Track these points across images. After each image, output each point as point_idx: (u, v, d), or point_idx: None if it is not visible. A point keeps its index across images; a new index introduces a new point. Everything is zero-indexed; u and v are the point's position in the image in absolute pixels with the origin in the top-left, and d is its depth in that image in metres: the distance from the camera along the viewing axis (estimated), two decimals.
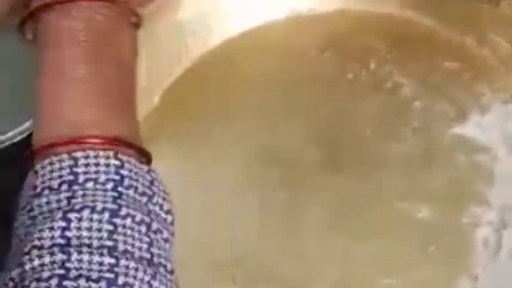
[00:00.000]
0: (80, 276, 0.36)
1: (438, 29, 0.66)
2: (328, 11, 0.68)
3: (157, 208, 0.41)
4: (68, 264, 0.36)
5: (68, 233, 0.37)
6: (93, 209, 0.38)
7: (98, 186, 0.39)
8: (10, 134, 0.57)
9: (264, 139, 0.62)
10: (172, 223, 0.42)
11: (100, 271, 0.36)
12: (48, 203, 0.39)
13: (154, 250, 0.39)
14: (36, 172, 0.40)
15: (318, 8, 0.68)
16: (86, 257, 0.37)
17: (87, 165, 0.39)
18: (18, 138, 0.57)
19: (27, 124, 0.57)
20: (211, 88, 0.66)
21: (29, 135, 0.56)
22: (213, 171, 0.61)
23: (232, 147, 0.62)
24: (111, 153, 0.40)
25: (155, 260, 0.39)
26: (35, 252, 0.37)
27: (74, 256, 0.37)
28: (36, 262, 0.37)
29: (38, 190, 0.39)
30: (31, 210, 0.39)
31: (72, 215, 0.38)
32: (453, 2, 0.65)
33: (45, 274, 0.36)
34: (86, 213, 0.38)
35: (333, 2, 0.68)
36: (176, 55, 0.66)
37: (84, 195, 0.39)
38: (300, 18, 0.68)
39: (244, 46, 0.67)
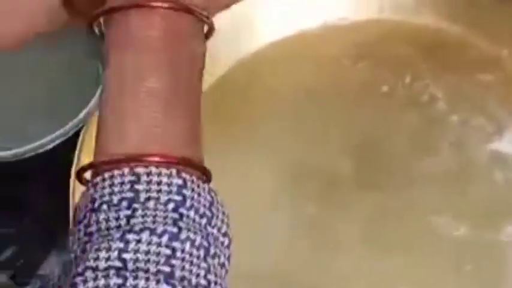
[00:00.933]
0: None
1: (474, 40, 0.64)
2: (362, 20, 0.67)
3: (215, 230, 0.39)
4: None
5: (125, 255, 0.35)
6: (152, 231, 0.36)
7: (159, 207, 0.37)
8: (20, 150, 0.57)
9: (294, 151, 0.61)
10: (228, 246, 0.40)
11: None
12: (106, 220, 0.37)
13: (211, 277, 0.37)
14: (95, 185, 0.38)
15: (351, 18, 0.67)
16: (141, 283, 0.35)
17: (149, 182, 0.37)
18: (28, 155, 0.57)
19: (38, 143, 0.57)
20: (242, 98, 0.65)
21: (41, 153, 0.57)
22: (243, 182, 0.60)
23: (262, 159, 0.61)
24: (174, 171, 0.38)
25: (212, 287, 0.37)
26: (89, 273, 0.35)
27: (130, 281, 0.35)
28: (91, 284, 0.35)
29: (97, 204, 0.37)
30: (88, 225, 0.37)
31: (130, 236, 0.36)
32: (490, 14, 0.64)
33: None
34: (145, 235, 0.36)
35: (367, 12, 0.67)
36: (207, 64, 0.65)
37: (144, 215, 0.37)
38: (333, 27, 0.67)
39: (276, 56, 0.66)
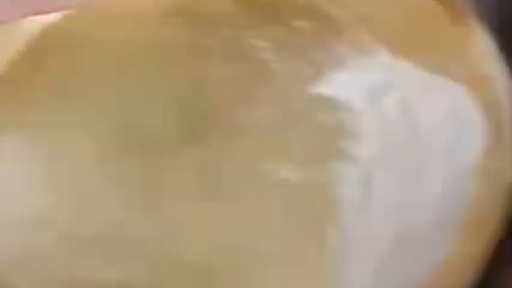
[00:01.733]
0: None
1: None
2: None
3: None
4: None
5: None
6: None
7: None
8: None
9: (114, 107, 0.59)
10: None
11: None
12: None
13: None
14: None
15: None
16: None
17: None
18: None
19: None
20: (56, 64, 0.62)
21: None
22: (63, 145, 0.57)
23: (83, 118, 0.59)
24: None
25: None
26: None
27: None
28: None
29: None
30: None
31: None
32: None
33: None
34: None
35: None
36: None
37: None
38: None
39: (87, 17, 0.64)
